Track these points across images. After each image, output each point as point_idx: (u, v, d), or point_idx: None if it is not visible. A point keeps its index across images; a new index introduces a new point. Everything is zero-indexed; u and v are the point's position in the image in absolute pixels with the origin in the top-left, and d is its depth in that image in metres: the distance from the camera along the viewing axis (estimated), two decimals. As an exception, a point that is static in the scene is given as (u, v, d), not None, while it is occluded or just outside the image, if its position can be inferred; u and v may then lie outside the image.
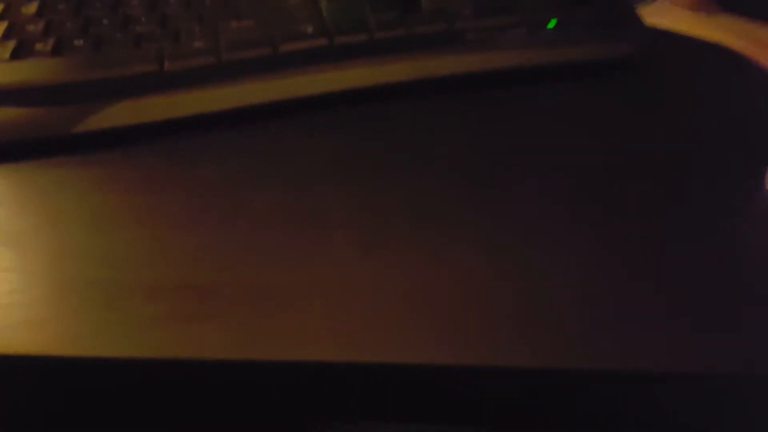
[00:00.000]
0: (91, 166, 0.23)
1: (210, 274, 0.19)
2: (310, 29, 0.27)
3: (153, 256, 0.19)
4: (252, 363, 0.17)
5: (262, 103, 0.25)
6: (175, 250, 0.19)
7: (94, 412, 0.19)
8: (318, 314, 0.17)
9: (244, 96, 0.25)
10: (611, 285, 0.18)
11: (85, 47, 0.26)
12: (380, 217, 0.20)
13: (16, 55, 0.26)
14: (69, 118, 0.25)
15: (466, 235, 0.20)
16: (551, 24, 0.27)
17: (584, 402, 0.18)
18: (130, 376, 0.17)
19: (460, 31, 0.27)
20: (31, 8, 0.29)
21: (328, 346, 0.16)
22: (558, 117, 0.25)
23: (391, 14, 0.27)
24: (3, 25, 0.28)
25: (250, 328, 0.17)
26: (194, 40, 0.27)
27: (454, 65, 0.27)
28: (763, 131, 0.24)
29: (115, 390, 0.18)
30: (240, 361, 0.16)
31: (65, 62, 0.26)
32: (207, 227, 0.20)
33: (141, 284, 0.18)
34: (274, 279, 0.18)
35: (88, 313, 0.18)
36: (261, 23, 0.28)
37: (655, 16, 0.31)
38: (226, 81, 0.25)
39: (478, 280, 0.18)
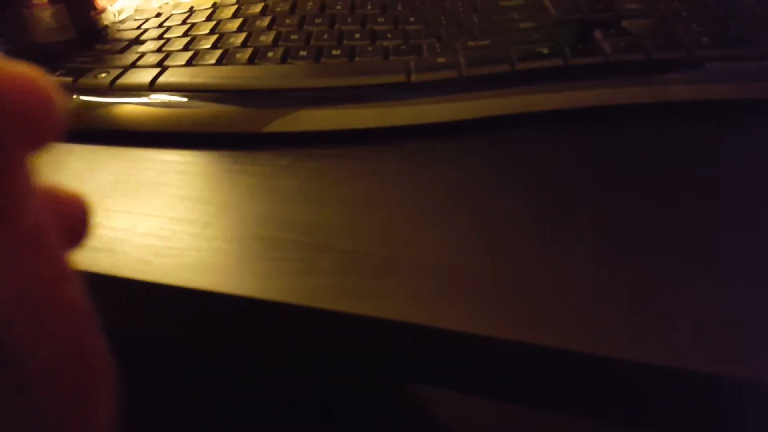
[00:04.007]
0: (344, 159, 0.26)
1: (456, 259, 0.20)
2: (545, 50, 0.28)
3: (405, 236, 0.21)
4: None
5: (499, 115, 0.27)
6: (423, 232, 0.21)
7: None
8: (568, 303, 0.18)
9: (483, 108, 0.27)
10: None
11: (342, 56, 0.30)
12: (623, 228, 0.21)
13: (284, 60, 0.30)
14: (323, 117, 0.28)
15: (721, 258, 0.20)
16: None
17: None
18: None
19: (699, 58, 0.27)
20: (294, 19, 0.33)
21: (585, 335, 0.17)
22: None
23: (626, 39, 0.28)
24: (271, 34, 0.32)
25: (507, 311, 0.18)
26: (436, 56, 0.29)
27: (693, 92, 0.27)
28: None
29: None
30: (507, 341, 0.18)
31: (323, 68, 0.30)
32: (451, 217, 0.22)
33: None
34: (528, 269, 0.20)
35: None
36: (496, 43, 0.30)
37: None
38: (466, 93, 0.28)
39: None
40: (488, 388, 0.19)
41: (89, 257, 0.22)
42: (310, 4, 0.36)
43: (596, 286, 0.19)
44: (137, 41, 0.36)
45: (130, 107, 0.30)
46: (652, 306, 0.18)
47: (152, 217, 0.24)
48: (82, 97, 0.32)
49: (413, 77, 0.28)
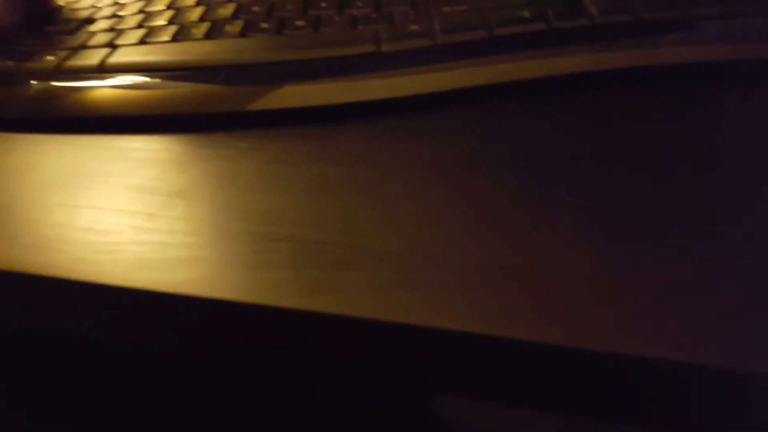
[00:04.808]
0: (306, 139, 0.24)
1: (428, 247, 0.18)
2: (526, 13, 0.26)
3: (372, 223, 0.19)
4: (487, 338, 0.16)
5: (477, 86, 0.24)
6: (385, 218, 0.19)
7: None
8: (551, 295, 0.16)
9: (460, 78, 0.25)
10: None
11: (306, 27, 0.27)
12: (607, 205, 0.19)
13: (243, 33, 0.28)
14: (284, 94, 0.25)
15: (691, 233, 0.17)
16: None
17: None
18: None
19: (694, 18, 0.25)
20: (255, -8, 0.30)
21: (566, 328, 0.15)
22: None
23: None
24: (231, 7, 0.30)
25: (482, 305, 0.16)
26: (409, 23, 0.27)
27: (688, 54, 0.24)
28: None
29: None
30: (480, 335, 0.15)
31: (285, 40, 0.27)
32: (420, 201, 0.20)
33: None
34: (499, 257, 0.17)
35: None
36: (474, 7, 0.27)
37: None
38: (441, 63, 0.25)
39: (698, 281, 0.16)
40: (462, 387, 0.17)
41: (22, 256, 0.20)
42: (274, -26, 0.33)
43: (581, 272, 0.17)
44: (89, 21, 0.33)
45: (78, 91, 0.28)
46: (644, 293, 0.16)
47: (93, 209, 0.22)
48: (32, 82, 0.29)
49: (383, 47, 0.26)
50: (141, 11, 0.32)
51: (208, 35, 0.28)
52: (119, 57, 0.29)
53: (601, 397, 0.16)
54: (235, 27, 0.28)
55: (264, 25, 0.28)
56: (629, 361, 0.15)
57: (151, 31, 0.30)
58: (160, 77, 0.27)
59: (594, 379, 0.15)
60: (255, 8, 0.29)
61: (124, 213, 0.21)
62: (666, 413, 0.15)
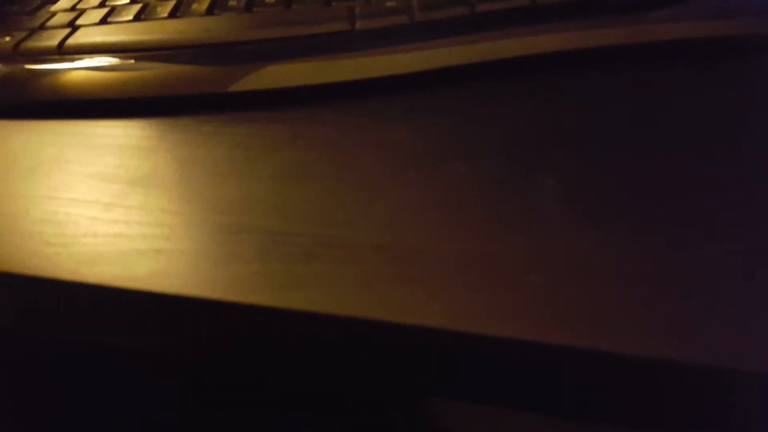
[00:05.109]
0: (276, 123, 0.23)
1: (404, 238, 0.17)
2: (509, -11, 0.25)
3: (345, 213, 0.18)
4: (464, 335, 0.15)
5: (457, 65, 0.23)
6: (362, 208, 0.18)
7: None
8: (536, 288, 0.15)
9: (438, 58, 0.23)
10: None
11: (277, 4, 0.26)
12: (594, 190, 0.18)
13: (210, 11, 0.26)
14: (254, 75, 0.24)
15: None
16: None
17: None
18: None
19: (684, -7, 0.24)
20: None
21: (554, 325, 0.14)
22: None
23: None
24: (198, -17, 0.28)
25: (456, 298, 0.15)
26: (385, 0, 0.25)
27: (680, 31, 0.23)
28: None
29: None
30: (456, 332, 0.14)
31: (255, 18, 0.26)
32: (397, 188, 0.19)
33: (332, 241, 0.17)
34: (481, 246, 0.16)
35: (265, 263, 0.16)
36: (454, -17, 0.26)
37: None
38: (419, 42, 0.24)
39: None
40: (441, 386, 0.16)
41: (-28, 251, 0.19)
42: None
43: (566, 263, 0.15)
44: (50, 1, 0.31)
45: (36, 74, 0.26)
46: (634, 284, 0.15)
47: (48, 199, 0.20)
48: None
49: (358, 25, 0.24)
50: (104, -11, 0.31)
51: (173, 14, 0.27)
52: (80, 38, 0.27)
53: (592, 396, 0.15)
54: (202, 5, 0.27)
55: (232, 3, 0.26)
56: (613, 358, 0.14)
57: (114, 10, 0.28)
58: (122, 58, 0.26)
59: (582, 377, 0.14)
60: (223, -16, 0.28)
61: (80, 203, 0.20)
62: (658, 414, 0.15)
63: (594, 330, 0.14)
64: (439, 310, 0.15)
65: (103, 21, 0.28)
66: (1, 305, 0.19)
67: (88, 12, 0.29)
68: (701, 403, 0.14)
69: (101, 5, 0.29)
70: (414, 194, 0.18)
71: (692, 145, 0.19)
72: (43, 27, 0.29)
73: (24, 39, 0.28)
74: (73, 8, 0.30)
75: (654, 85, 0.22)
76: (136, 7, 0.28)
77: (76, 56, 0.26)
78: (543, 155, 0.19)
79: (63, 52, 0.27)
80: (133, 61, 0.26)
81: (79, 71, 0.26)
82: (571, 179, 0.18)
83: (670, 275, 0.15)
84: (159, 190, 0.20)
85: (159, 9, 0.27)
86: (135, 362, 0.31)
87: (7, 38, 0.28)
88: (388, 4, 0.25)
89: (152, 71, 0.25)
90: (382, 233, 0.17)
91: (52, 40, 0.27)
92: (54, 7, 0.30)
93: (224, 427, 0.30)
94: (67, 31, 0.28)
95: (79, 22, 0.28)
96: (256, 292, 0.16)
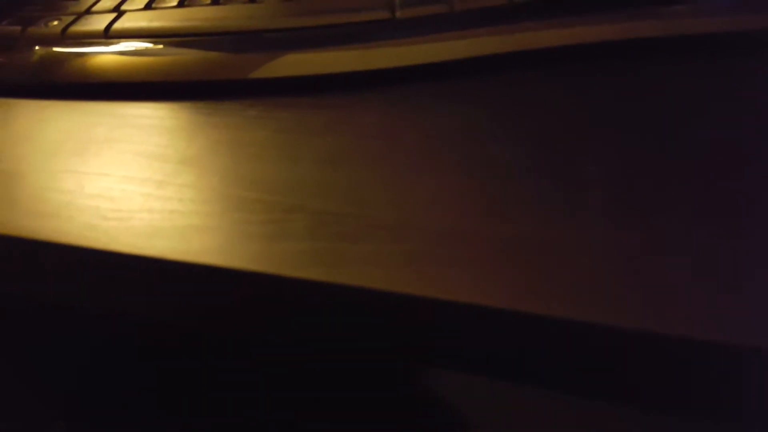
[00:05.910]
0: (319, 108, 0.23)
1: (447, 219, 0.17)
2: (547, -19, 0.25)
3: (387, 195, 0.18)
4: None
5: (496, 54, 0.24)
6: (404, 192, 0.19)
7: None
8: (578, 266, 0.16)
9: (477, 46, 0.24)
10: None
11: (318, -7, 0.27)
12: (629, 178, 0.18)
13: (253, -1, 0.27)
14: (296, 61, 0.25)
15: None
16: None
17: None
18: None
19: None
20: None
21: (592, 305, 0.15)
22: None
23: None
24: (240, -29, 0.29)
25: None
26: (424, -11, 0.26)
27: (719, 24, 0.24)
28: None
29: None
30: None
31: (297, 6, 0.26)
32: (436, 172, 0.19)
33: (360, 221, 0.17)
34: (517, 229, 0.17)
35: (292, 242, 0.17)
36: (492, -25, 0.26)
37: None
38: (459, 31, 0.24)
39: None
40: (487, 366, 0.17)
41: (32, 223, 0.20)
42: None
43: (607, 245, 0.16)
44: (94, -15, 0.32)
45: (83, 57, 0.27)
46: (673, 267, 0.15)
47: (102, 176, 0.21)
48: (36, 48, 0.28)
49: (398, 13, 0.25)
50: (147, -25, 0.31)
51: (216, 1, 0.28)
52: (125, 22, 0.28)
53: (628, 378, 0.16)
54: (245, -10, 0.27)
55: (274, -10, 0.27)
56: (652, 337, 0.14)
57: (158, -4, 0.29)
58: (166, 43, 0.27)
59: (620, 358, 0.15)
60: (265, -28, 0.28)
61: (133, 180, 0.21)
62: (694, 394, 0.15)
63: (651, 314, 0.14)
64: (482, 290, 0.15)
65: (148, 6, 0.28)
66: (57, 277, 0.20)
67: (133, -3, 0.29)
68: (747, 387, 0.15)
69: (145, -9, 0.30)
70: (454, 178, 0.19)
71: (732, 136, 0.19)
72: (89, 12, 0.29)
73: (71, 23, 0.29)
74: (117, -7, 0.30)
75: (687, 77, 0.22)
76: (180, -6, 0.28)
77: (122, 40, 0.27)
78: (578, 143, 0.20)
79: (109, 36, 0.28)
80: (176, 46, 0.26)
81: (125, 55, 0.27)
82: (606, 166, 0.19)
83: (700, 263, 0.15)
84: (209, 170, 0.21)
85: (202, -5, 0.28)
86: (181, 338, 0.32)
87: (55, 22, 0.29)
88: (428, -7, 0.25)
89: (195, 56, 0.26)
90: (425, 215, 0.18)
91: (99, 24, 0.28)
92: (98, -8, 0.31)
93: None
94: (113, 15, 0.28)
95: (124, 7, 0.29)
96: (309, 268, 0.17)
